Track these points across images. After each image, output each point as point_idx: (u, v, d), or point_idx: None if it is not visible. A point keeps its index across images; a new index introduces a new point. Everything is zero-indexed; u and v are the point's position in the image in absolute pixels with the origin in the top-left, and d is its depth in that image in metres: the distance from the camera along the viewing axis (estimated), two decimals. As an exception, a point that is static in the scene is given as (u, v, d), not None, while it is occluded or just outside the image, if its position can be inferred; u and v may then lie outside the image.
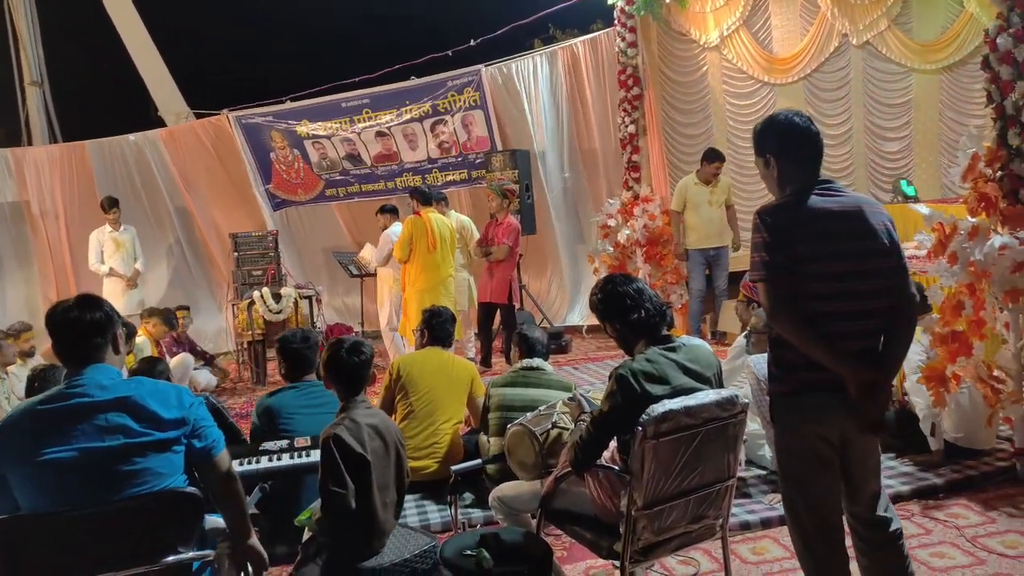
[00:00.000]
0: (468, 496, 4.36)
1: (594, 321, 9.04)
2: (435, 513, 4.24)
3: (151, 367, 4.43)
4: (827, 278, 2.39)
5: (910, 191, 7.55)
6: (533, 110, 9.49)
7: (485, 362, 7.54)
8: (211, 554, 2.41)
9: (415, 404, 4.48)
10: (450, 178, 9.99)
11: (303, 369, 4.08)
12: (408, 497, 4.01)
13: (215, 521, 2.58)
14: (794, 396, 2.48)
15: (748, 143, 8.61)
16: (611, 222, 8.24)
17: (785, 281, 2.40)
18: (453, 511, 3.81)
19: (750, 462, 4.50)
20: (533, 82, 9.45)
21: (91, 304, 2.44)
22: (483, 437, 4.33)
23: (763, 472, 4.39)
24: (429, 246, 6.87)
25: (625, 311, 2.82)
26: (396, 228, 7.53)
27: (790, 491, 2.56)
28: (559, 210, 9.67)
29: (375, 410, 3.00)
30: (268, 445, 3.66)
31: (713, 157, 7.68)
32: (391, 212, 7.94)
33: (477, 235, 7.80)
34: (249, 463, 3.43)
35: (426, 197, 7.10)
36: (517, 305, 7.81)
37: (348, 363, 2.95)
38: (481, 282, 7.63)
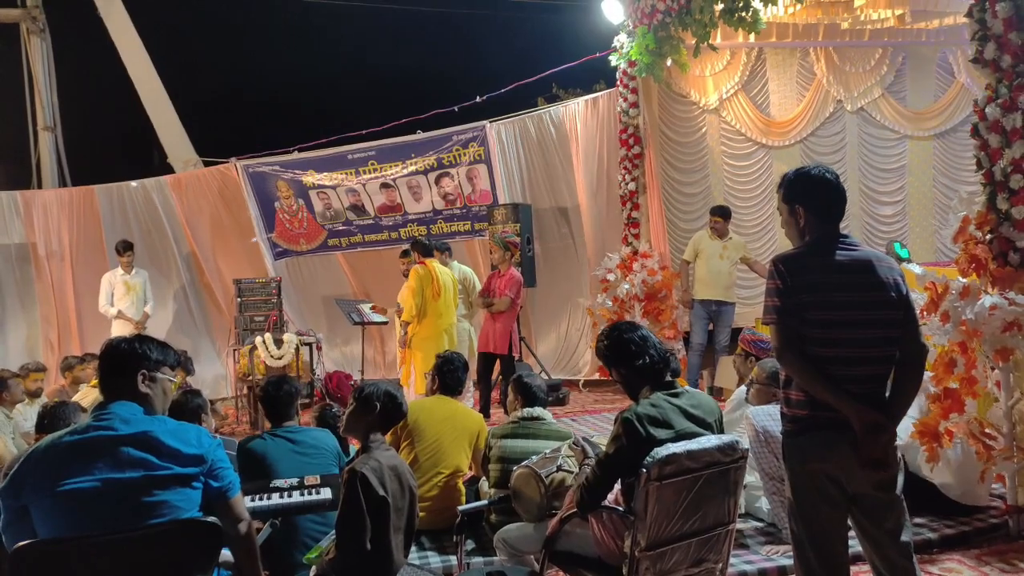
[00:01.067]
0: (470, 543, 4.31)
1: (592, 375, 9.14)
2: (436, 559, 4.24)
3: (188, 398, 4.43)
4: (833, 325, 2.53)
5: (903, 253, 7.74)
6: (536, 166, 9.77)
7: (483, 412, 7.63)
8: (227, 585, 2.47)
9: (420, 453, 4.50)
10: (454, 229, 10.18)
11: (281, 416, 4.12)
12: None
13: (225, 554, 2.58)
14: (802, 435, 2.59)
15: (746, 202, 8.93)
16: (610, 276, 8.43)
17: (794, 325, 2.54)
18: (459, 551, 3.81)
19: (748, 514, 4.55)
20: (537, 139, 9.76)
21: (145, 340, 2.56)
22: (484, 484, 4.37)
23: (760, 524, 4.44)
24: (434, 294, 7.06)
25: (630, 357, 2.94)
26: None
27: (797, 527, 2.64)
28: (559, 264, 9.88)
29: (394, 452, 3.05)
30: (279, 482, 3.69)
31: (713, 211, 7.98)
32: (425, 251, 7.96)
33: (479, 285, 7.96)
34: (261, 499, 3.47)
35: (426, 248, 7.32)
36: (516, 356, 7.92)
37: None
38: (482, 332, 7.76)
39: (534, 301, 9.75)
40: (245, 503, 2.74)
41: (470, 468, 4.71)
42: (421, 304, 7.10)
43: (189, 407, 4.38)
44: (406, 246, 8.96)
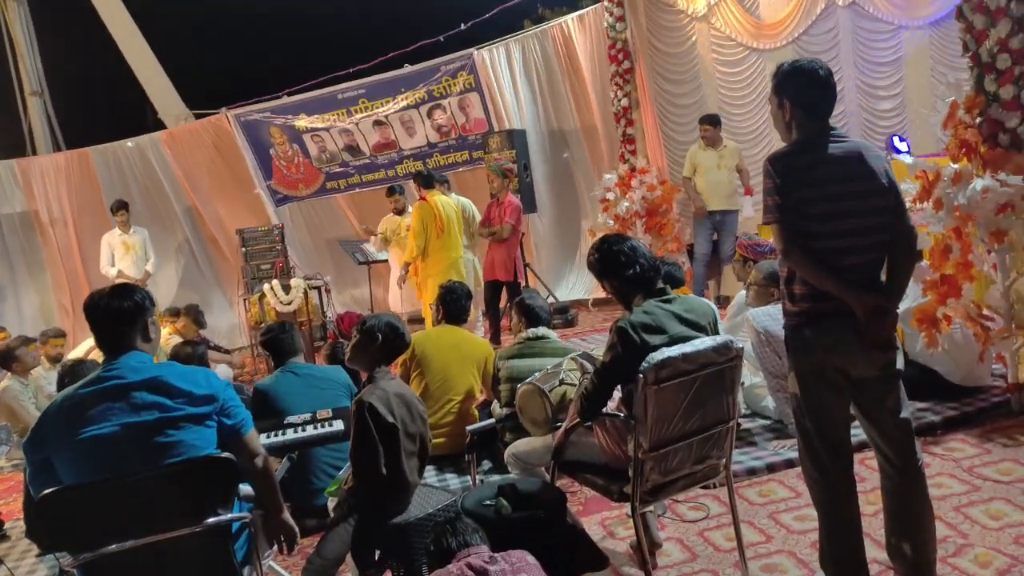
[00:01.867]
0: (486, 463, 4.51)
1: (599, 294, 9.22)
2: (455, 481, 4.40)
3: (194, 349, 4.64)
4: (832, 217, 2.57)
5: (901, 147, 7.67)
6: (528, 90, 9.66)
7: (494, 339, 7.73)
8: (248, 516, 2.57)
9: (430, 382, 4.60)
10: (451, 160, 10.14)
11: (285, 354, 4.28)
12: (428, 469, 4.15)
13: (247, 489, 2.69)
14: (806, 326, 2.65)
15: (740, 109, 8.83)
16: (610, 195, 8.44)
17: (795, 220, 2.59)
18: (471, 470, 3.96)
19: (755, 413, 4.67)
20: (525, 62, 9.63)
21: (123, 293, 2.58)
22: (496, 406, 4.45)
23: (767, 421, 4.57)
24: (438, 231, 7.05)
25: (620, 267, 2.98)
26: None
27: (801, 415, 2.72)
28: (558, 187, 9.84)
29: (400, 381, 3.13)
30: (292, 418, 3.82)
31: (702, 120, 7.93)
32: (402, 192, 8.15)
33: (479, 216, 7.97)
34: (276, 435, 3.59)
35: (428, 180, 7.28)
36: (522, 282, 7.98)
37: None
38: (486, 261, 7.78)
39: (536, 226, 9.76)
40: (262, 440, 2.86)
41: (481, 392, 4.80)
42: (425, 243, 7.10)
43: (196, 355, 4.66)
44: (395, 183, 9.00)
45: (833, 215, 2.58)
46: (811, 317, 2.64)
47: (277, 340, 4.32)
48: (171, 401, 2.40)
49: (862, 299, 2.53)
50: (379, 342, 3.03)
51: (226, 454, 2.43)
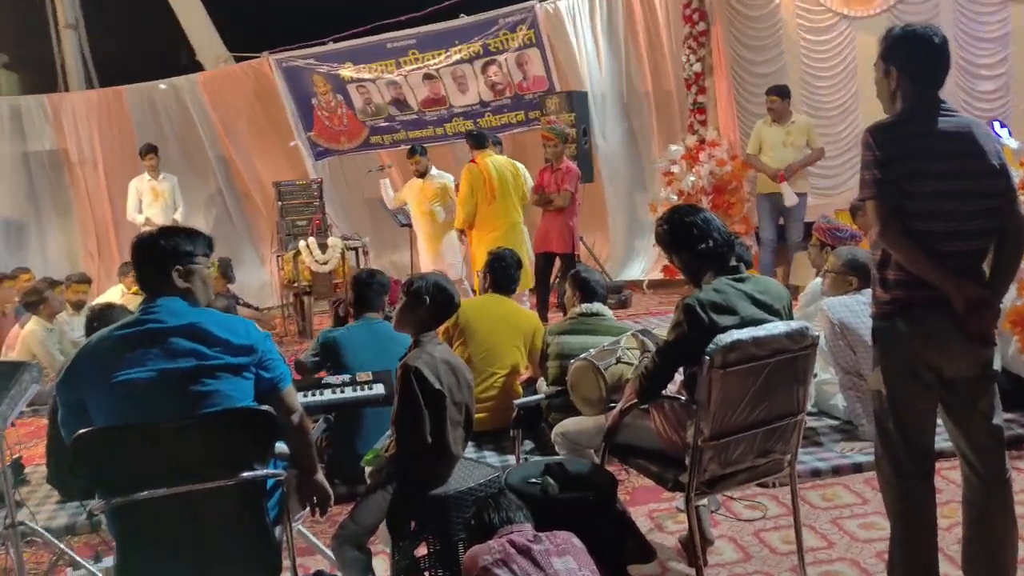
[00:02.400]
0: (528, 443, 4.50)
1: (656, 274, 9.16)
2: (494, 459, 4.42)
3: (218, 303, 4.61)
4: (934, 197, 2.52)
5: (1002, 133, 7.46)
6: (590, 49, 9.57)
7: (540, 317, 7.70)
8: (283, 474, 2.64)
9: (474, 353, 4.61)
10: (504, 121, 10.10)
11: (365, 306, 4.34)
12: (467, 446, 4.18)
13: (282, 447, 2.75)
14: (898, 315, 2.60)
15: (825, 82, 8.68)
16: (675, 168, 8.36)
17: (895, 198, 2.54)
18: (516, 447, 3.99)
19: (822, 412, 4.63)
20: (590, 19, 9.53)
21: (170, 233, 2.67)
22: (542, 383, 4.47)
23: (835, 421, 4.53)
24: (488, 197, 6.95)
25: (692, 240, 2.95)
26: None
27: (884, 414, 2.68)
28: (617, 157, 9.76)
29: (447, 347, 3.14)
30: (331, 379, 3.90)
31: (768, 92, 7.73)
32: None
33: (531, 182, 7.89)
34: (313, 395, 3.66)
35: (480, 140, 7.20)
36: (579, 255, 7.92)
37: None
38: (539, 231, 7.62)
39: (591, 198, 9.70)
40: (300, 398, 2.89)
41: (527, 368, 4.82)
42: (474, 210, 7.03)
43: (223, 310, 4.66)
44: (444, 147, 8.92)
45: (938, 195, 2.53)
46: (904, 306, 2.59)
47: (364, 286, 4.35)
48: (208, 349, 2.45)
49: (964, 290, 2.48)
50: (427, 304, 3.05)
51: (265, 407, 2.48)
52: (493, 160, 7.12)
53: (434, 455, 2.90)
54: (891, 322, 2.62)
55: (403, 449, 2.92)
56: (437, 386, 2.86)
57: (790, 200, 7.49)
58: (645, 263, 9.54)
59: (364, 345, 4.18)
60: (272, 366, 2.59)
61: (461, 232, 7.47)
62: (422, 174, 8.32)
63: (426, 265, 8.30)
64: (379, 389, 3.73)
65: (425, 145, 8.96)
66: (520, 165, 7.89)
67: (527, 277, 6.81)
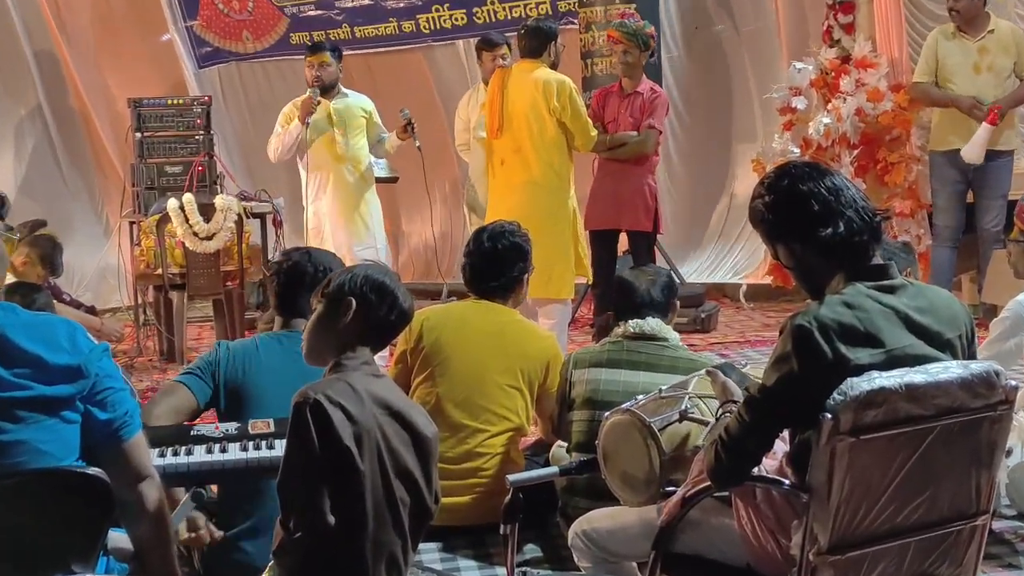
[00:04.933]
0: (531, 547, 3.65)
1: (759, 277, 7.18)
2: (472, 570, 3.60)
3: (26, 296, 3.98)
4: None
5: None
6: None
7: (600, 334, 5.34)
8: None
9: (446, 396, 3.57)
10: (517, 13, 7.51)
11: (293, 309, 3.33)
12: (428, 546, 3.41)
13: (120, 538, 2.28)
14: None
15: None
16: (798, 103, 6.36)
17: None
18: (508, 556, 3.09)
19: (1021, 514, 3.79)
20: None
21: None
22: (559, 451, 3.59)
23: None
24: (493, 126, 5.02)
25: (811, 222, 2.27)
26: None
27: None
28: (700, 82, 7.54)
29: (388, 379, 2.52)
30: (204, 429, 3.07)
31: None
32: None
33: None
34: (176, 454, 2.90)
35: (545, 36, 5.04)
36: (662, 234, 5.92)
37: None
38: (594, 193, 5.53)
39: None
40: (154, 458, 2.42)
41: (534, 425, 3.81)
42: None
43: (36, 308, 3.99)
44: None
45: None
46: None
47: (296, 274, 3.30)
48: (6, 372, 1.94)
49: None
50: (354, 313, 2.32)
51: (94, 470, 2.04)
52: (519, 70, 5.09)
53: (344, 551, 2.17)
54: None
55: (292, 541, 2.19)
56: (346, 441, 2.12)
57: (976, 156, 5.60)
58: (742, 257, 7.40)
59: (278, 373, 3.19)
60: (111, 401, 2.06)
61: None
62: (327, 88, 5.82)
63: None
64: (282, 448, 2.94)
65: (386, 49, 7.26)
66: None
67: (566, 270, 5.06)
